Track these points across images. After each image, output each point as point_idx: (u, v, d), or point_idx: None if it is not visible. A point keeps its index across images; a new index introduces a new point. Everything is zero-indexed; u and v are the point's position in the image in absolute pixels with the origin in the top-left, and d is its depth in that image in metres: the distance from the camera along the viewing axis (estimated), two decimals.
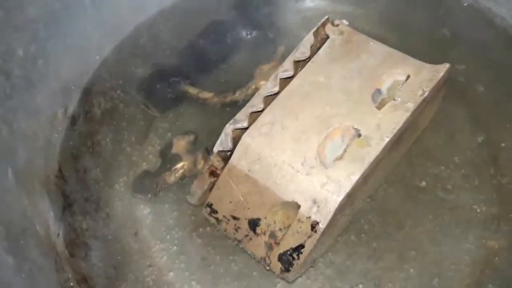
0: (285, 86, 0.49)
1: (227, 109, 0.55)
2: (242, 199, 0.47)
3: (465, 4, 0.60)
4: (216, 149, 0.48)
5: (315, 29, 0.51)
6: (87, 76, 0.58)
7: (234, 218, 0.47)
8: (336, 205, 0.43)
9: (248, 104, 0.49)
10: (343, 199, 0.43)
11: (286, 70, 0.50)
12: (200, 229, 0.50)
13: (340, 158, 0.45)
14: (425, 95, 0.47)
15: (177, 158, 0.53)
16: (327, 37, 0.52)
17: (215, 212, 0.48)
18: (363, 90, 0.48)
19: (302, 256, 0.45)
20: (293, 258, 0.45)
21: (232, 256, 0.49)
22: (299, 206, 0.44)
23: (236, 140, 0.48)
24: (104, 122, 0.57)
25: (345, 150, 0.45)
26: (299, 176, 0.45)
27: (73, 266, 0.49)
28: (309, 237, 0.44)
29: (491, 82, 0.55)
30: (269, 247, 0.46)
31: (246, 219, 0.47)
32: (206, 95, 0.57)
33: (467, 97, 0.55)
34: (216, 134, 0.48)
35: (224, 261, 0.49)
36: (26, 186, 0.48)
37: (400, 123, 0.46)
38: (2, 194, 0.44)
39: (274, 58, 0.57)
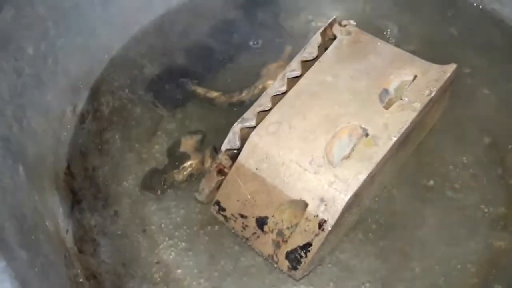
0: (292, 86, 0.50)
1: (235, 108, 0.56)
2: (249, 197, 0.47)
3: (471, 5, 0.60)
4: (224, 147, 0.49)
5: (322, 29, 0.52)
6: (96, 75, 0.59)
7: (242, 216, 0.47)
8: (343, 204, 0.43)
9: (255, 103, 0.49)
10: (350, 198, 0.44)
11: (293, 70, 0.50)
12: (208, 227, 0.51)
13: (348, 157, 0.45)
14: (432, 95, 0.47)
15: (185, 157, 0.53)
16: (335, 37, 0.52)
17: (223, 210, 0.49)
18: (371, 90, 0.48)
19: (309, 254, 0.45)
20: (301, 256, 0.45)
21: (239, 254, 0.49)
22: (306, 205, 0.45)
23: (244, 139, 0.48)
24: (112, 120, 0.58)
25: (352, 149, 0.45)
26: (307, 175, 0.45)
27: (82, 262, 0.49)
28: (317, 235, 0.44)
29: (498, 84, 0.55)
30: (277, 245, 0.46)
31: (253, 217, 0.47)
32: (214, 94, 0.57)
33: (474, 98, 0.55)
34: (223, 133, 0.49)
35: (231, 258, 0.49)
36: (36, 183, 0.48)
37: (407, 123, 0.46)
38: (14, 190, 0.44)
39: (281, 58, 0.57)
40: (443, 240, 0.48)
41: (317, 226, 0.44)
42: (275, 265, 0.47)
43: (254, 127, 0.48)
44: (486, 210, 0.49)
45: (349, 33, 0.52)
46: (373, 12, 0.62)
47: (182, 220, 0.51)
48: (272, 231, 0.46)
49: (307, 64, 0.50)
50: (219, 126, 0.54)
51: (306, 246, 0.45)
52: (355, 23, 0.52)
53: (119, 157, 0.55)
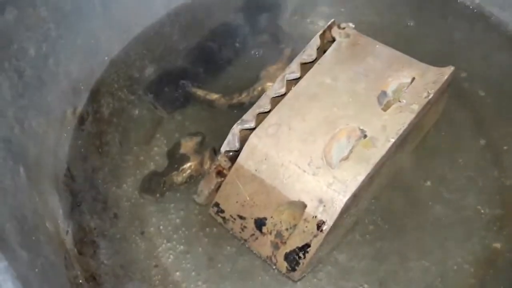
0: (291, 88, 0.50)
1: (234, 110, 0.56)
2: (248, 198, 0.47)
3: (468, 9, 0.61)
4: (223, 149, 0.49)
5: (321, 31, 0.52)
6: (96, 76, 0.59)
7: (241, 217, 0.48)
8: (342, 205, 0.44)
9: (255, 105, 0.49)
10: (349, 199, 0.44)
11: (293, 72, 0.50)
12: (207, 229, 0.51)
13: (346, 158, 0.46)
14: (430, 97, 0.47)
15: (184, 159, 0.54)
16: (333, 40, 0.53)
17: (222, 211, 0.49)
18: (369, 92, 0.49)
19: (308, 256, 0.45)
20: (299, 257, 0.45)
21: (238, 256, 0.49)
22: (305, 206, 0.45)
23: (243, 140, 0.48)
24: (112, 122, 0.58)
25: (351, 151, 0.46)
26: (306, 176, 0.45)
27: (82, 264, 0.49)
28: (315, 236, 0.45)
29: (493, 87, 0.56)
30: (275, 246, 0.46)
31: (252, 218, 0.47)
32: (213, 96, 0.57)
33: (471, 101, 0.55)
34: (223, 135, 0.49)
35: (230, 260, 0.49)
36: (36, 184, 0.49)
37: (405, 125, 0.46)
38: (15, 191, 0.44)
39: (281, 60, 0.58)
40: (440, 241, 0.48)
41: (315, 227, 0.44)
42: (274, 267, 0.47)
43: (253, 129, 0.48)
44: (482, 211, 0.49)
45: (347, 35, 0.52)
46: (371, 15, 0.62)
47: (180, 222, 0.51)
48: (270, 233, 0.47)
49: (306, 66, 0.51)
50: (219, 128, 0.54)
51: (305, 247, 0.45)
52: (353, 26, 0.53)
53: (118, 159, 0.56)
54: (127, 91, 0.59)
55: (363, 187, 0.45)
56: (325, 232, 0.44)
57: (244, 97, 0.57)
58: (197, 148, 0.54)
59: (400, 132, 0.46)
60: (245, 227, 0.48)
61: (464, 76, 0.56)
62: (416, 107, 0.47)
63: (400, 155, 0.50)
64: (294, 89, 0.50)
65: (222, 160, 0.49)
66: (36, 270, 0.40)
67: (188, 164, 0.53)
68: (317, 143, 0.46)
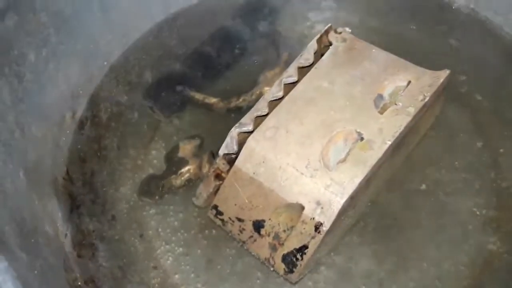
0: (289, 91, 0.50)
1: (232, 114, 0.57)
2: (247, 201, 0.48)
3: (464, 14, 0.61)
4: (221, 152, 0.49)
5: (318, 36, 0.53)
6: (95, 81, 0.60)
7: (239, 219, 0.48)
8: (339, 207, 0.44)
9: (253, 109, 0.50)
10: (346, 201, 0.44)
11: (290, 76, 0.51)
12: (206, 231, 0.51)
13: (344, 161, 0.46)
14: (426, 100, 0.48)
15: (183, 162, 0.54)
16: (330, 44, 0.53)
17: (221, 214, 0.49)
18: (366, 96, 0.49)
19: (305, 257, 0.45)
20: (297, 259, 0.46)
21: (236, 258, 0.49)
22: (303, 208, 0.45)
23: (241, 144, 0.49)
24: (111, 126, 0.58)
25: (348, 153, 0.46)
26: (304, 178, 0.46)
27: (81, 266, 0.49)
28: (313, 238, 0.45)
29: (490, 91, 0.56)
30: (273, 248, 0.47)
31: (250, 220, 0.47)
32: (212, 100, 0.58)
33: (467, 104, 0.56)
34: (221, 138, 0.49)
35: (229, 262, 0.49)
36: (36, 187, 0.49)
37: (402, 127, 0.47)
38: (14, 194, 0.45)
39: (278, 64, 0.58)
40: (437, 243, 0.49)
41: (313, 228, 0.45)
42: (272, 269, 0.48)
43: (251, 132, 0.49)
44: (478, 213, 0.50)
45: (344, 40, 0.53)
46: (368, 21, 0.63)
47: (179, 225, 0.52)
48: (268, 235, 0.47)
49: (303, 70, 0.51)
50: (217, 132, 0.54)
51: (302, 249, 0.45)
52: (350, 30, 0.53)
53: (117, 163, 0.56)
54: (126, 96, 0.60)
55: (360, 189, 0.45)
56: (322, 234, 0.45)
57: (242, 101, 0.57)
58: (195, 152, 0.55)
59: (397, 134, 0.47)
60: (243, 229, 0.48)
61: (461, 80, 0.57)
62: (412, 110, 0.48)
63: (397, 158, 0.51)
64: (292, 92, 0.50)
65: (220, 163, 0.50)
66: (36, 271, 0.40)
67: (187, 168, 0.54)
68: (314, 145, 0.47)
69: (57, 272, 0.46)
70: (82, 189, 0.54)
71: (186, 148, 0.55)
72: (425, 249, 0.49)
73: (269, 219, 0.47)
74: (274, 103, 0.50)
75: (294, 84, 0.51)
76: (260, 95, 0.54)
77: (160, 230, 0.52)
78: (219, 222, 0.49)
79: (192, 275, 0.49)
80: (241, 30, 0.62)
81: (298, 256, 0.46)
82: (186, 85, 0.59)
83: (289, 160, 0.46)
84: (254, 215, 0.47)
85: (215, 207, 0.49)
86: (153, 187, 0.54)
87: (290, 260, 0.46)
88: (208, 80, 0.60)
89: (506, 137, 0.54)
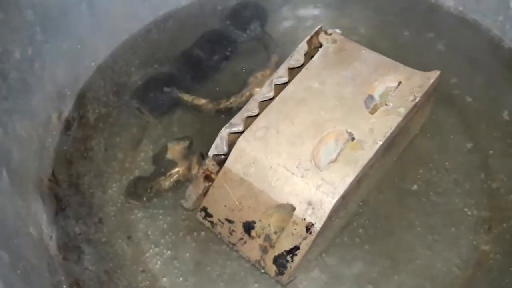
0: (280, 92, 0.50)
1: (222, 115, 0.56)
2: (237, 202, 0.47)
3: (453, 16, 0.62)
4: (211, 153, 0.49)
5: (308, 37, 0.52)
6: (82, 82, 0.59)
7: (229, 221, 0.47)
8: (330, 207, 0.44)
9: (243, 109, 0.49)
10: (337, 201, 0.44)
11: (281, 76, 0.50)
12: (195, 233, 0.50)
13: (335, 161, 0.46)
14: (416, 100, 0.48)
15: (172, 164, 0.53)
16: (320, 46, 0.53)
17: (210, 215, 0.48)
18: (356, 96, 0.49)
19: (296, 258, 0.45)
20: (287, 261, 0.45)
21: (226, 260, 0.49)
22: (294, 209, 0.45)
23: (231, 144, 0.48)
24: (98, 127, 0.57)
25: (339, 153, 0.46)
26: (294, 179, 0.45)
27: (66, 269, 0.48)
28: (304, 238, 0.44)
29: (480, 93, 0.57)
30: (264, 250, 0.46)
31: (241, 222, 0.47)
32: (201, 101, 0.57)
33: (457, 105, 0.56)
34: (210, 140, 0.49)
35: (218, 265, 0.49)
36: (20, 188, 0.48)
37: (392, 127, 0.47)
38: None
39: (268, 66, 0.58)
40: (428, 244, 0.48)
41: (304, 229, 0.44)
42: (262, 271, 0.47)
43: (241, 132, 0.48)
44: (469, 213, 0.50)
45: (334, 41, 0.53)
46: (358, 23, 0.63)
47: (168, 227, 0.51)
48: (259, 236, 0.46)
49: (294, 71, 0.51)
50: (206, 133, 0.54)
51: (294, 250, 0.45)
52: (340, 32, 0.53)
53: (104, 165, 0.55)
54: (113, 96, 0.59)
55: (351, 189, 0.45)
56: (314, 234, 0.44)
57: (231, 102, 0.57)
58: (184, 153, 0.54)
59: (388, 134, 0.46)
60: (233, 231, 0.47)
61: (451, 82, 0.57)
62: (403, 110, 0.48)
63: (388, 158, 0.50)
64: (282, 93, 0.50)
65: (210, 164, 0.49)
66: (18, 272, 0.39)
67: (176, 169, 0.53)
68: (305, 146, 0.46)
69: (41, 274, 0.45)
70: (68, 191, 0.53)
71: (174, 149, 0.54)
72: (416, 250, 0.48)
73: (260, 220, 0.46)
74: (264, 104, 0.50)
75: (284, 84, 0.51)
76: (250, 97, 0.54)
77: (149, 233, 0.51)
78: (208, 224, 0.49)
79: (181, 278, 0.48)
80: (230, 32, 0.62)
81: (289, 257, 0.45)
82: (175, 87, 0.58)
83: (280, 160, 0.46)
84: (244, 217, 0.47)
85: (204, 209, 0.49)
86: (140, 189, 0.53)
87: (281, 262, 0.45)
88: (197, 81, 0.59)
89: (496, 139, 0.54)
